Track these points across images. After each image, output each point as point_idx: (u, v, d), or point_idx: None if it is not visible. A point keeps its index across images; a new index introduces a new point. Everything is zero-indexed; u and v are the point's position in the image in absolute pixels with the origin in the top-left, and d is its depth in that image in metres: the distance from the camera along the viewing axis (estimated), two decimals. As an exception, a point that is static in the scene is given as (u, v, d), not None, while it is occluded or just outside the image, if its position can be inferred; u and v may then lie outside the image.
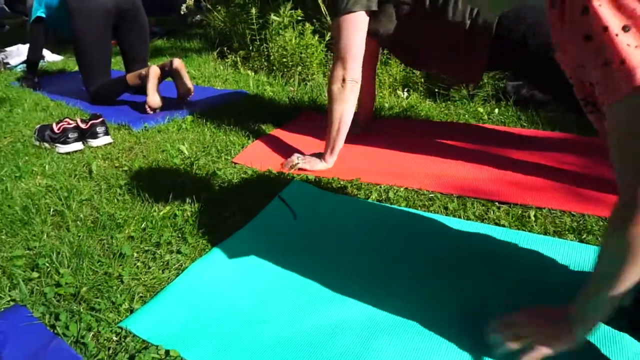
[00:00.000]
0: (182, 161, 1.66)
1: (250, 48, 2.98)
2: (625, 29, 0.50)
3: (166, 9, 5.30)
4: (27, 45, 3.60)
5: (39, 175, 1.60)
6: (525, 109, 1.90)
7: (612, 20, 0.51)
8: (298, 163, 1.54)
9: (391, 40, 1.53)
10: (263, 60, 2.87)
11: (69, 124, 1.82)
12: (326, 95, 1.55)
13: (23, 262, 1.12)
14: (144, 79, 2.25)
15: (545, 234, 1.12)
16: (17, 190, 1.48)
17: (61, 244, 1.18)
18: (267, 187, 1.43)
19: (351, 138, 1.75)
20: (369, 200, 1.34)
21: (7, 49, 3.60)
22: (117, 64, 3.00)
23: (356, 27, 1.41)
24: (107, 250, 1.16)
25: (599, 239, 1.08)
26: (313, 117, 2.03)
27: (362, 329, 0.88)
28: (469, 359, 0.80)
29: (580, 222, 1.15)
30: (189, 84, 2.30)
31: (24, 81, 2.86)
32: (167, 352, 0.84)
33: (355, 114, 1.85)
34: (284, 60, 2.65)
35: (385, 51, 2.32)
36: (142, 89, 2.28)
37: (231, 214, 1.29)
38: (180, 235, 1.21)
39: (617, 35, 0.51)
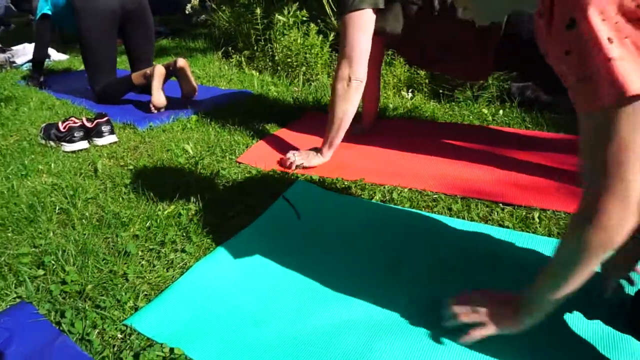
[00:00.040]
0: (187, 160, 1.66)
1: (255, 48, 2.98)
2: (610, 41, 0.51)
3: (171, 9, 5.31)
4: (33, 44, 3.62)
5: (45, 174, 1.61)
6: (529, 110, 1.90)
7: (601, 32, 0.52)
8: (294, 161, 1.55)
9: (397, 40, 1.53)
10: (267, 60, 2.88)
11: (74, 122, 1.83)
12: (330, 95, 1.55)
13: (29, 260, 1.13)
14: (148, 78, 2.26)
15: (549, 235, 1.12)
16: (23, 189, 1.49)
17: (67, 242, 1.19)
18: (271, 187, 1.43)
19: (355, 138, 1.76)
20: (373, 200, 1.35)
21: (14, 47, 3.62)
22: (122, 63, 3.01)
23: (363, 25, 1.41)
24: (112, 248, 1.17)
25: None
26: (317, 118, 2.03)
27: (366, 329, 0.88)
28: (472, 359, 0.80)
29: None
30: (193, 83, 2.31)
31: (29, 80, 2.88)
32: (171, 349, 0.85)
33: (360, 114, 1.86)
34: (289, 60, 2.66)
35: (389, 51, 2.32)
36: (147, 88, 2.29)
37: (235, 214, 1.30)
38: (184, 234, 1.21)
39: (603, 49, 0.52)
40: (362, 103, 1.85)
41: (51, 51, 3.68)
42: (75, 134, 1.81)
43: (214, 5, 3.81)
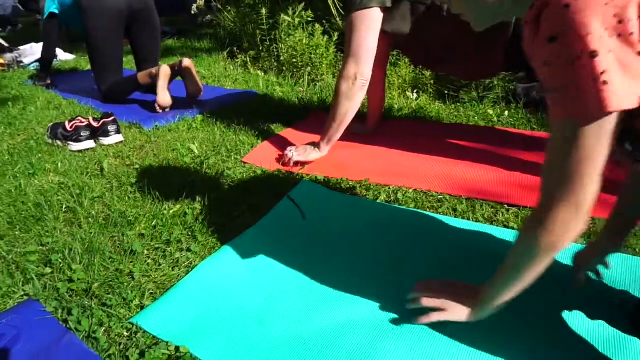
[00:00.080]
0: (192, 160, 1.67)
1: (260, 48, 2.99)
2: (592, 55, 0.52)
3: (177, 9, 5.33)
4: (41, 44, 3.64)
5: (52, 173, 1.62)
6: (535, 111, 1.89)
7: (584, 46, 0.52)
8: (292, 157, 1.56)
9: (403, 39, 1.53)
10: (273, 60, 2.89)
11: (81, 122, 1.85)
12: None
13: (36, 258, 1.14)
14: (154, 78, 2.27)
15: (554, 237, 1.12)
16: (30, 187, 1.50)
17: (73, 240, 1.20)
18: (276, 187, 1.44)
19: (360, 139, 1.76)
20: (378, 201, 1.35)
21: (21, 47, 3.65)
22: (128, 64, 3.02)
23: (370, 23, 1.41)
24: (118, 247, 1.18)
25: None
26: (322, 118, 2.02)
27: (370, 329, 0.88)
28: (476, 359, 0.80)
29: (590, 225, 1.15)
30: (199, 83, 2.32)
31: (37, 79, 2.90)
32: (177, 348, 0.85)
33: (365, 114, 1.86)
34: (294, 60, 2.66)
35: (395, 52, 2.32)
36: (152, 88, 2.31)
37: (240, 213, 1.30)
38: (190, 233, 1.22)
39: (584, 63, 0.53)
40: (367, 103, 1.86)
41: (58, 51, 3.70)
42: (82, 134, 1.83)
43: (219, 6, 3.83)
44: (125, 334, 0.90)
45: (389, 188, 1.40)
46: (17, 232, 1.26)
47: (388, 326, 0.89)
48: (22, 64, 3.49)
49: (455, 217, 1.24)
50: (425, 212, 1.26)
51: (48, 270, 1.09)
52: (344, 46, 1.49)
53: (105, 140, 1.87)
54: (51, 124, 1.94)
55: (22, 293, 1.03)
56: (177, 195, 1.40)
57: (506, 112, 1.92)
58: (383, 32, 1.45)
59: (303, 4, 2.67)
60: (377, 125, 1.87)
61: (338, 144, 1.64)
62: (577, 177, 0.60)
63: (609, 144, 0.57)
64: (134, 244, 1.16)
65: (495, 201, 1.28)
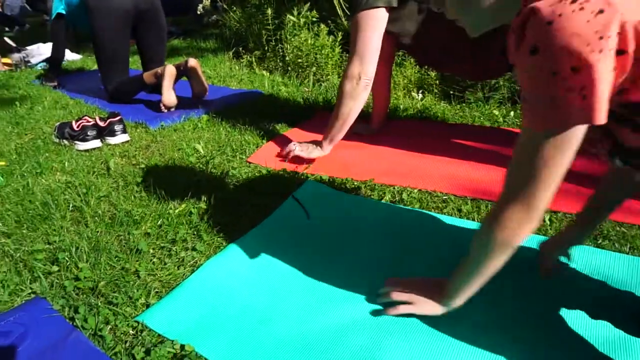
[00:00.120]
0: (198, 160, 1.68)
1: (266, 48, 3.00)
2: (573, 70, 0.54)
3: (183, 9, 5.35)
4: (48, 45, 3.67)
5: (59, 172, 1.64)
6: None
7: (564, 61, 0.54)
8: (294, 149, 1.57)
9: (408, 40, 1.53)
10: (278, 60, 2.89)
11: (87, 121, 1.86)
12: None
13: (43, 256, 1.15)
14: (159, 78, 2.28)
15: (560, 238, 1.12)
16: (37, 186, 1.52)
17: (80, 239, 1.21)
18: (281, 187, 1.44)
19: (365, 139, 1.76)
20: (383, 201, 1.35)
21: (28, 47, 3.67)
22: (134, 64, 3.04)
23: (376, 23, 1.41)
24: (124, 246, 1.18)
25: (616, 244, 1.07)
26: (327, 118, 2.02)
27: (374, 328, 0.88)
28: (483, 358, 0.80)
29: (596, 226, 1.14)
30: (204, 83, 2.33)
31: (45, 79, 2.92)
32: (182, 346, 0.86)
33: (370, 114, 1.86)
34: (299, 60, 2.67)
35: (400, 52, 2.32)
36: (158, 88, 2.32)
37: (245, 213, 1.31)
38: (195, 232, 1.22)
39: (563, 78, 0.55)
40: (372, 103, 1.86)
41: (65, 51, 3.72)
42: (89, 133, 1.84)
43: (225, 6, 3.84)
44: (131, 332, 0.91)
45: (394, 188, 1.40)
46: (24, 231, 1.27)
47: (392, 326, 0.89)
48: (29, 64, 3.52)
49: (460, 217, 1.24)
50: (430, 213, 1.26)
51: (55, 268, 1.10)
52: (349, 46, 1.49)
53: (112, 140, 1.88)
54: (58, 123, 1.95)
55: (30, 291, 1.04)
56: (183, 194, 1.41)
57: (512, 113, 1.91)
58: (388, 32, 1.45)
59: (308, 4, 2.68)
60: (382, 125, 1.87)
61: (343, 143, 1.64)
62: (535, 182, 0.63)
63: (572, 157, 0.61)
64: (139, 243, 1.17)
65: (501, 202, 1.27)
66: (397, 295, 0.91)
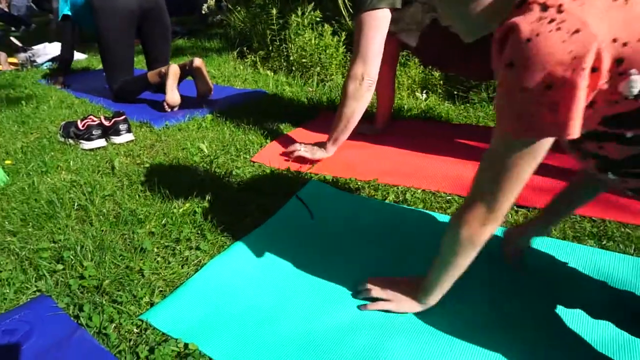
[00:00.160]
0: (202, 159, 1.68)
1: (270, 48, 3.00)
2: (548, 87, 0.57)
3: (187, 9, 5.37)
4: (54, 44, 3.70)
5: (64, 171, 1.65)
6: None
7: (537, 77, 0.57)
8: (299, 150, 1.57)
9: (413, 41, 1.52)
10: (282, 60, 2.90)
11: (93, 121, 1.87)
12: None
13: (48, 255, 1.15)
14: (163, 77, 2.29)
15: (563, 238, 1.11)
16: (43, 185, 1.53)
17: (85, 237, 1.21)
18: (284, 187, 1.44)
19: (369, 139, 1.76)
20: (386, 201, 1.35)
21: (34, 47, 3.70)
22: (139, 63, 3.05)
23: (379, 24, 1.41)
24: (128, 244, 1.19)
25: (620, 245, 1.07)
26: (331, 118, 2.03)
27: (378, 328, 0.88)
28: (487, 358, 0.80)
29: (601, 227, 1.14)
30: (209, 83, 2.34)
31: (51, 78, 2.94)
32: (185, 345, 0.86)
33: (374, 114, 1.86)
34: (303, 60, 2.67)
35: (404, 52, 2.32)
36: (163, 87, 2.32)
37: (249, 212, 1.31)
38: (199, 231, 1.23)
39: (537, 92, 0.58)
40: (377, 103, 1.86)
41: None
42: (94, 132, 1.85)
43: (229, 6, 3.85)
44: (135, 330, 0.91)
45: (398, 188, 1.40)
46: (30, 229, 1.28)
47: (395, 325, 0.89)
48: (35, 64, 3.54)
49: (463, 218, 1.23)
50: (433, 213, 1.26)
51: (60, 266, 1.11)
52: (352, 46, 1.50)
53: (116, 139, 1.89)
54: (63, 122, 1.96)
55: (35, 289, 1.05)
56: (187, 193, 1.41)
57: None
58: (392, 34, 1.45)
59: (312, 4, 2.68)
60: (385, 125, 1.87)
61: (346, 143, 1.64)
62: (499, 187, 0.67)
63: (536, 166, 0.65)
64: (144, 242, 1.17)
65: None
66: (376, 293, 0.94)
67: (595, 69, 0.56)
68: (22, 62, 3.50)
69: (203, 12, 4.51)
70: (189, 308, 0.96)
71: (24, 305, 0.99)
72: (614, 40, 0.55)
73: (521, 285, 0.97)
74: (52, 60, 3.56)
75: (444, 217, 1.23)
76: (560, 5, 0.55)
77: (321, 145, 1.62)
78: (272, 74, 2.87)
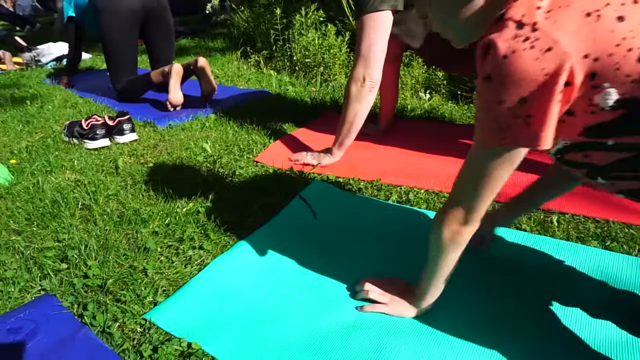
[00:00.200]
0: (205, 159, 1.69)
1: (273, 48, 3.01)
2: (522, 101, 0.60)
3: (191, 9, 5.38)
4: (58, 44, 3.71)
5: (68, 170, 1.65)
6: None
7: (514, 92, 0.60)
8: (303, 158, 1.58)
9: (416, 42, 1.52)
10: (286, 60, 2.90)
11: (97, 120, 1.88)
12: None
13: (53, 254, 1.16)
14: (166, 76, 2.30)
15: (567, 239, 1.11)
16: (47, 184, 1.53)
17: (89, 237, 1.22)
18: (288, 187, 1.44)
19: (372, 139, 1.76)
20: (389, 201, 1.35)
21: (39, 47, 3.71)
22: (143, 63, 3.06)
23: (381, 26, 1.40)
24: (132, 244, 1.20)
25: (624, 246, 1.07)
26: (335, 118, 2.02)
27: (380, 328, 0.89)
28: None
29: (605, 228, 1.14)
30: (213, 83, 2.34)
31: (57, 78, 2.94)
32: (189, 344, 0.87)
33: (377, 114, 1.86)
34: (307, 60, 2.67)
35: (408, 52, 2.31)
36: (166, 87, 2.33)
37: (252, 212, 1.32)
38: (202, 231, 1.23)
39: (511, 106, 0.61)
40: (380, 103, 1.86)
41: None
42: (98, 132, 1.85)
43: (233, 6, 3.85)
44: (139, 329, 0.92)
45: (401, 188, 1.40)
46: (34, 228, 1.28)
47: (398, 325, 0.89)
48: (39, 63, 3.56)
49: (466, 218, 1.23)
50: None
51: (64, 265, 1.12)
52: (355, 48, 1.50)
53: (120, 139, 1.89)
54: (68, 122, 1.97)
55: (39, 288, 1.05)
56: (190, 193, 1.41)
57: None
58: (394, 35, 1.45)
59: (316, 3, 2.68)
60: (389, 126, 1.86)
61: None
62: (476, 191, 0.72)
63: (512, 172, 0.69)
64: (147, 242, 1.18)
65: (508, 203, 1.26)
66: (373, 294, 0.94)
67: (568, 84, 0.59)
68: (26, 61, 3.52)
69: (207, 11, 4.52)
70: (192, 307, 0.97)
71: (29, 304, 1.00)
72: (586, 56, 0.58)
73: (524, 286, 0.97)
74: (57, 59, 3.58)
75: (447, 218, 1.23)
76: (534, 24, 0.58)
77: (327, 150, 1.61)
78: (276, 73, 2.87)
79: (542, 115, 0.60)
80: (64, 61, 3.42)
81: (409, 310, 0.91)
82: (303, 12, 2.67)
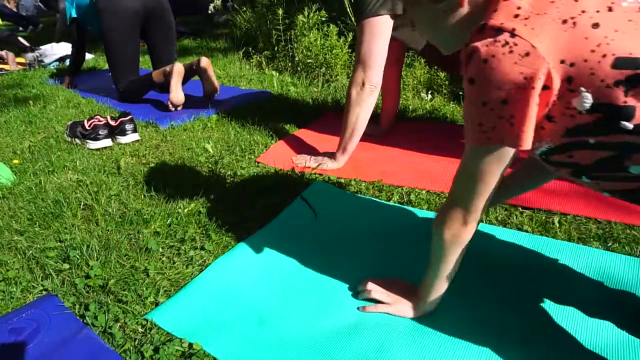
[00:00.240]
0: (207, 159, 1.69)
1: (275, 48, 3.01)
2: (504, 102, 0.63)
3: (193, 9, 5.39)
4: (61, 45, 3.72)
5: (71, 170, 1.66)
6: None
7: (496, 94, 0.63)
8: (306, 161, 1.58)
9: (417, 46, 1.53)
10: (287, 60, 2.90)
11: (99, 121, 1.88)
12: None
13: (55, 254, 1.16)
14: (168, 76, 2.30)
15: (569, 240, 1.11)
16: (49, 185, 1.54)
17: (91, 237, 1.22)
18: (289, 187, 1.45)
19: (374, 140, 1.76)
20: (390, 202, 1.35)
21: (42, 47, 3.72)
22: (145, 63, 3.07)
23: (380, 30, 1.41)
24: (134, 244, 1.20)
25: (626, 247, 1.06)
26: (336, 118, 2.03)
27: (381, 328, 0.89)
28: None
29: (606, 229, 1.14)
30: (215, 83, 2.34)
31: (60, 78, 2.95)
32: (190, 344, 0.87)
33: (379, 115, 1.86)
34: (309, 61, 2.67)
35: (410, 52, 2.31)
36: (167, 87, 2.33)
37: (254, 213, 1.32)
38: (204, 231, 1.24)
39: (493, 107, 0.64)
40: (382, 104, 1.86)
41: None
42: (100, 132, 1.86)
43: (235, 6, 3.86)
44: (140, 330, 0.92)
45: (402, 189, 1.40)
46: (36, 229, 1.29)
47: (399, 326, 0.89)
48: (42, 64, 3.56)
49: (468, 219, 1.23)
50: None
51: (66, 266, 1.12)
52: (355, 51, 1.50)
53: (122, 139, 1.90)
54: (70, 122, 1.98)
55: (41, 288, 1.06)
56: (192, 194, 1.42)
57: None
58: (394, 40, 1.45)
59: (317, 3, 2.68)
60: (390, 126, 1.86)
61: (351, 144, 1.64)
62: (472, 191, 0.73)
63: (503, 171, 0.71)
64: (149, 242, 1.18)
65: (509, 203, 1.27)
66: (376, 294, 0.95)
67: (546, 87, 0.62)
68: (29, 62, 3.52)
69: (209, 12, 4.52)
70: (194, 308, 0.97)
71: (31, 304, 1.00)
72: (562, 62, 0.61)
73: (525, 287, 0.97)
74: (60, 60, 3.59)
75: (448, 219, 1.23)
76: (513, 30, 0.61)
77: (330, 155, 1.61)
78: (278, 74, 2.87)
79: (522, 117, 0.63)
80: (67, 61, 3.44)
81: (412, 311, 0.91)
82: (305, 13, 2.67)
